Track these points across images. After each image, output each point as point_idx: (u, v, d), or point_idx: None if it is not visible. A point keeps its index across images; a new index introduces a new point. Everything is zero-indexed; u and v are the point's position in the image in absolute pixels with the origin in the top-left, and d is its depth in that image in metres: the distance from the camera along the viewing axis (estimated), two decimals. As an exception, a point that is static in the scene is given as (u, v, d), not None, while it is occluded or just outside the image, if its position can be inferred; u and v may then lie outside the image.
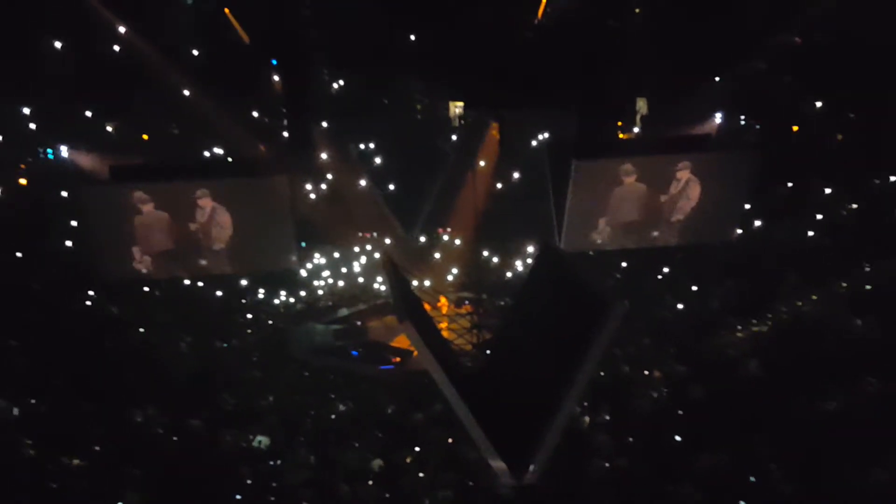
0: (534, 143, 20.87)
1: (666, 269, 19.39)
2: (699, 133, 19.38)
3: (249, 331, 18.65)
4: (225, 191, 16.98)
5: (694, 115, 19.47)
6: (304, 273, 20.39)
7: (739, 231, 18.69)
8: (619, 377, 14.89)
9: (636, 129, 21.24)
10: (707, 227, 18.07)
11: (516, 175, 21.09)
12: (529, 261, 19.53)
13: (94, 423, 12.92)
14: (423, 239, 21.37)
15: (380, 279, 20.42)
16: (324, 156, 20.64)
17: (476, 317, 18.83)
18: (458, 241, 21.09)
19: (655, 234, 18.20)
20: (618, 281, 19.08)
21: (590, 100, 19.50)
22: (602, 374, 14.31)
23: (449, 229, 21.38)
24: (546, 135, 20.65)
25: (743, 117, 20.41)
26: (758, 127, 20.08)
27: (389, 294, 15.34)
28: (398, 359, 17.65)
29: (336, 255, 20.87)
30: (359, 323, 19.62)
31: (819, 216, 18.63)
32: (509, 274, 20.37)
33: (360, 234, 21.17)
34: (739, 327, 16.71)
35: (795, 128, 20.00)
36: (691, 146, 17.90)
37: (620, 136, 20.84)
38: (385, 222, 21.12)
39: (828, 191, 19.02)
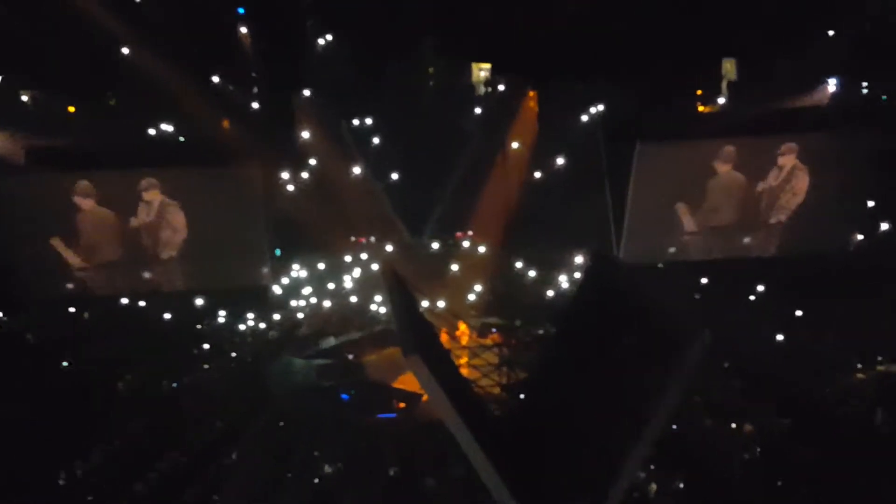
0: (584, 118, 20.76)
1: (761, 288, 19.27)
2: (806, 105, 19.35)
3: (207, 366, 18.69)
4: (177, 181, 17.08)
5: (799, 80, 19.43)
6: (279, 290, 20.47)
7: (860, 237, 18.51)
8: (698, 432, 14.78)
9: (721, 101, 21.17)
10: (817, 231, 17.90)
11: (560, 162, 20.97)
12: (577, 276, 19.41)
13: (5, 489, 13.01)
14: (436, 246, 21.39)
15: (379, 299, 20.41)
16: (306, 135, 20.71)
17: (506, 350, 18.75)
18: (482, 249, 21.07)
19: (748, 239, 18.08)
20: (697, 303, 18.93)
21: (658, 62, 19.41)
22: (675, 427, 14.21)
23: (470, 233, 21.37)
24: (600, 108, 20.62)
25: (865, 84, 20.32)
26: (884, 97, 20.02)
27: (391, 319, 15.15)
28: (403, 404, 17.62)
29: (321, 266, 20.93)
30: (351, 357, 19.61)
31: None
32: (550, 293, 20.34)
33: (353, 240, 21.19)
34: (860, 366, 16.55)
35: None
36: (796, 123, 17.78)
37: (700, 109, 20.84)
38: (386, 224, 21.17)
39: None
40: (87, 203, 16.65)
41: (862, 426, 14.45)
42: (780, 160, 17.50)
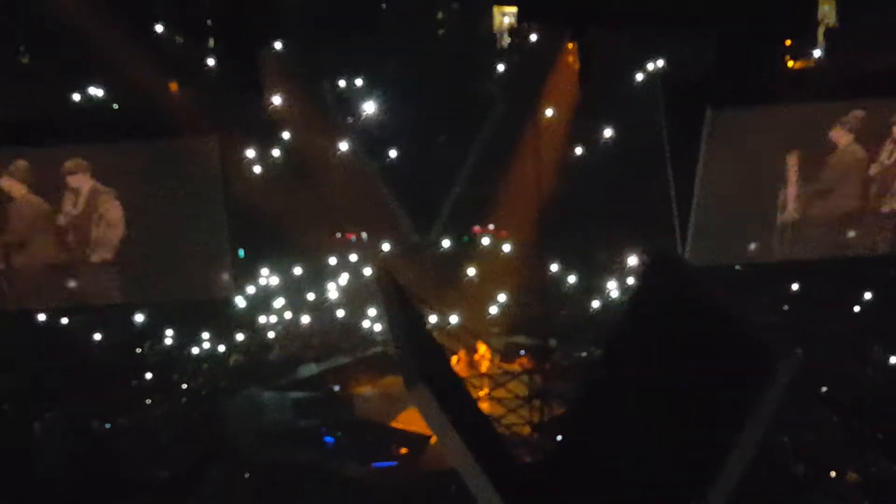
0: (638, 78, 20.80)
1: (868, 296, 19.37)
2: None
3: (150, 401, 18.82)
4: (111, 162, 17.13)
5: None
6: (243, 303, 20.58)
7: None
8: (787, 479, 14.91)
9: (817, 53, 21.29)
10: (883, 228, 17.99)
11: (608, 135, 21.07)
12: (631, 282, 19.48)
13: None
14: (447, 244, 21.51)
15: (373, 313, 20.49)
16: (277, 101, 20.80)
17: (539, 378, 18.73)
18: (507, 248, 21.16)
19: (852, 233, 18.07)
20: (786, 315, 18.99)
21: (734, 3, 19.46)
22: (759, 472, 14.27)
23: (492, 228, 21.45)
24: (659, 64, 20.64)
25: None
26: None
27: (389, 339, 15.22)
28: (405, 449, 17.75)
29: (298, 271, 21.06)
30: (337, 388, 19.77)
31: None
32: (596, 304, 20.49)
33: (340, 237, 21.32)
34: None
35: None
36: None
37: (791, 64, 20.89)
38: (383, 216, 21.28)
39: None
40: (20, 190, 16.84)
41: None
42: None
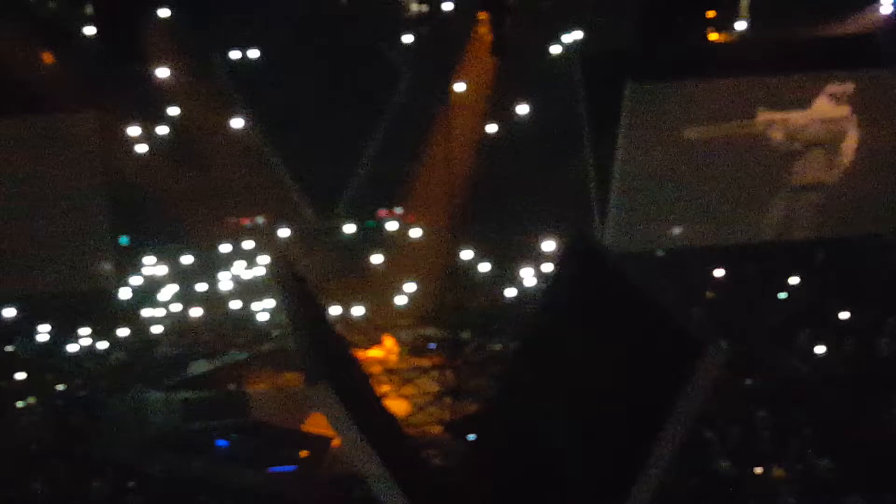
0: (556, 50, 20.77)
1: (795, 281, 19.66)
2: (852, 33, 19.75)
3: (21, 405, 18.41)
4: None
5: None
6: (126, 294, 20.17)
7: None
8: (711, 477, 14.99)
9: (740, 25, 21.51)
10: (868, 207, 18.41)
11: (523, 112, 21.02)
12: (548, 268, 19.72)
13: None
14: (350, 229, 21.31)
15: (270, 305, 20.26)
16: (163, 74, 20.52)
17: (451, 373, 18.82)
18: (415, 234, 20.98)
19: (779, 219, 18.43)
20: (710, 304, 19.32)
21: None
22: (680, 472, 14.52)
23: (400, 211, 21.31)
24: (578, 36, 20.66)
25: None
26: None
27: (288, 333, 15.20)
28: (306, 453, 17.46)
29: (187, 259, 20.74)
30: (232, 387, 19.45)
31: None
32: (511, 293, 20.36)
33: (233, 221, 21.08)
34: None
35: None
36: (841, 57, 18.19)
37: (712, 36, 21.18)
38: (281, 199, 21.08)
39: None
40: None
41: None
42: (820, 108, 17.92)
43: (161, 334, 20.58)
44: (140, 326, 20.47)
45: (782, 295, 19.60)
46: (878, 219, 18.56)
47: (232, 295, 20.78)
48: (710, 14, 20.85)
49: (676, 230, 18.30)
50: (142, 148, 20.29)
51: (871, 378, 17.36)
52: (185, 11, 20.92)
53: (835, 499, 14.39)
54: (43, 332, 19.86)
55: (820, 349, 18.26)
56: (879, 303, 18.84)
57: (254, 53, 21.35)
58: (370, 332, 19.64)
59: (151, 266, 20.68)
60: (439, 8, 21.89)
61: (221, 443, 17.95)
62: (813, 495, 14.65)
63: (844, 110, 17.87)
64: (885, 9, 19.92)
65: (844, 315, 18.82)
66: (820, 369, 17.99)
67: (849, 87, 17.72)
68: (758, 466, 15.38)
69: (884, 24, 19.87)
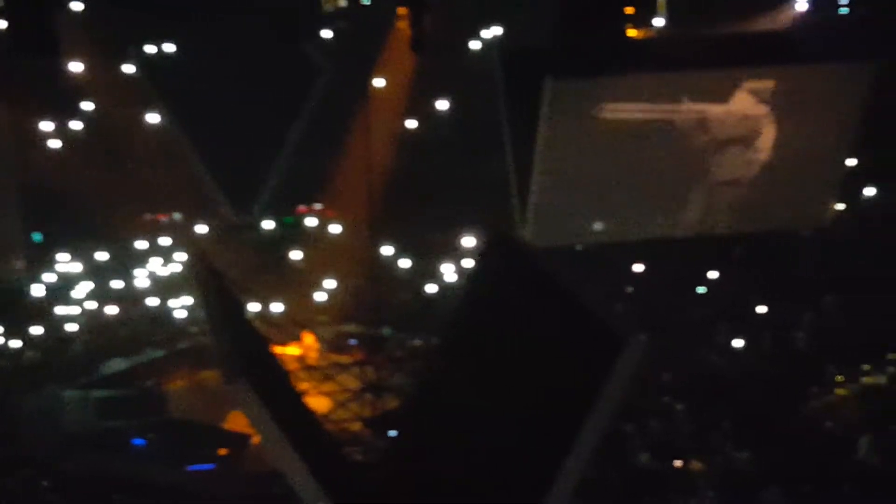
0: (475, 46, 20.95)
1: (714, 275, 19.97)
2: (768, 30, 19.99)
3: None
4: None
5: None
6: (39, 291, 20.04)
7: (840, 207, 19.55)
8: (632, 471, 15.20)
9: (658, 22, 21.76)
10: (785, 203, 18.68)
11: (442, 107, 21.19)
12: (468, 264, 19.68)
13: None
14: (269, 226, 21.36)
15: (187, 302, 20.22)
16: (77, 68, 20.40)
17: (371, 369, 18.77)
18: (335, 230, 21.05)
19: (697, 214, 18.63)
20: (629, 298, 19.53)
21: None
22: (601, 466, 14.60)
23: (319, 207, 21.36)
24: (497, 32, 20.79)
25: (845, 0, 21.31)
26: (869, 18, 20.87)
27: (206, 330, 15.10)
28: (224, 450, 17.51)
29: (102, 256, 20.65)
30: (149, 385, 19.43)
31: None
32: (431, 288, 20.55)
33: (150, 217, 21.02)
34: (842, 379, 17.40)
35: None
36: (758, 53, 18.43)
37: (631, 32, 21.37)
38: (198, 194, 21.02)
39: None
40: None
41: (843, 458, 15.11)
42: (738, 105, 18.13)
43: (76, 332, 20.42)
44: (54, 324, 20.32)
45: (701, 289, 19.80)
46: (795, 215, 18.77)
47: (148, 292, 20.66)
48: (629, 10, 20.97)
49: (596, 225, 18.42)
50: (55, 143, 20.13)
51: (789, 371, 17.61)
52: (99, 5, 20.78)
53: (753, 491, 14.59)
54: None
55: (738, 343, 18.49)
56: (796, 297, 19.10)
57: (169, 48, 21.10)
58: (290, 328, 19.57)
59: (66, 263, 20.50)
60: (358, 3, 21.94)
61: (138, 441, 17.85)
62: (732, 488, 14.87)
63: (761, 107, 18.09)
64: (801, 5, 20.16)
65: (762, 309, 19.06)
66: (738, 363, 18.21)
67: (767, 83, 17.93)
68: (677, 460, 15.55)
69: (800, 21, 20.11)
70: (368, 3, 21.73)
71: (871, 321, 18.45)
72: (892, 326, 18.24)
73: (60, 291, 20.49)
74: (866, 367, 17.89)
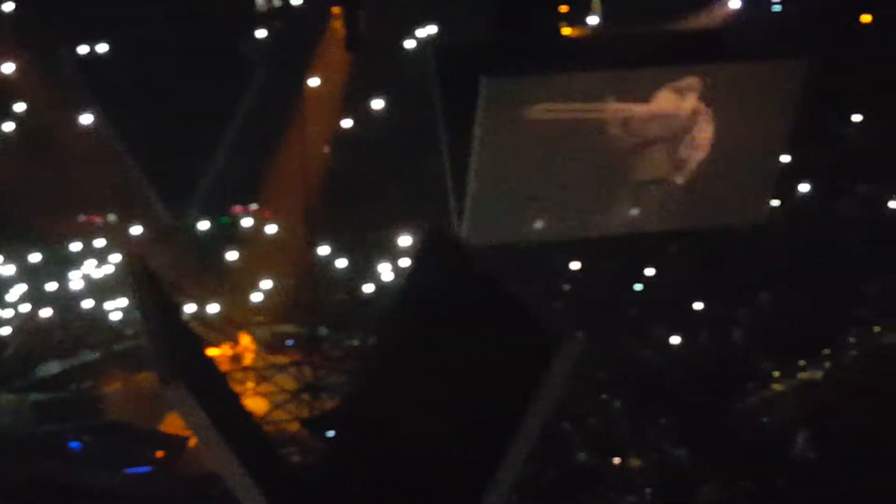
0: (410, 45, 21.02)
1: (650, 273, 20.12)
2: (702, 28, 20.17)
3: None
4: None
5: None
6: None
7: (775, 203, 19.72)
8: (570, 469, 15.32)
9: (592, 20, 21.82)
10: (720, 200, 18.90)
11: (378, 106, 21.19)
12: (405, 263, 19.69)
13: None
14: (204, 226, 21.21)
15: (123, 304, 20.06)
16: (7, 70, 20.25)
17: (308, 370, 18.77)
18: (271, 230, 21.01)
19: (635, 211, 18.75)
20: (566, 296, 19.63)
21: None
22: (537, 465, 14.66)
23: (254, 207, 21.28)
24: (432, 30, 20.83)
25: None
26: (801, 15, 21.15)
27: (142, 332, 14.99)
28: (161, 453, 17.37)
29: (35, 258, 20.48)
30: (84, 387, 19.25)
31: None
32: (368, 288, 20.53)
33: (84, 219, 20.86)
34: (778, 374, 17.63)
35: (868, 17, 21.27)
36: (692, 52, 18.55)
37: (565, 31, 21.35)
38: (133, 195, 20.84)
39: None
40: None
41: (780, 453, 15.35)
42: (665, 103, 18.24)
43: (9, 335, 20.27)
44: (-19, 325, 20.06)
45: (638, 287, 19.93)
46: (731, 212, 18.94)
47: (83, 294, 20.51)
48: (563, 9, 21.06)
49: (533, 224, 18.47)
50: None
51: (726, 368, 17.78)
52: (31, 5, 20.58)
53: (691, 487, 14.71)
54: None
55: (675, 340, 18.63)
56: (733, 293, 19.28)
57: (102, 48, 20.92)
58: (226, 329, 19.53)
59: (-9, 262, 20.24)
60: (292, 3, 21.80)
61: (75, 444, 17.71)
62: (670, 484, 14.97)
63: (692, 105, 18.22)
64: (735, 3, 20.38)
65: (699, 306, 19.22)
66: (675, 360, 18.35)
67: (698, 81, 18.06)
68: (615, 457, 15.65)
69: (733, 19, 20.32)
70: (303, 2, 21.46)
71: (806, 317, 18.66)
72: (827, 321, 18.47)
73: (-14, 292, 20.19)
74: (802, 362, 18.08)
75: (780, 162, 18.97)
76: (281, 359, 19.56)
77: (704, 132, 18.39)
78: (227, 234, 21.23)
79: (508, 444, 9.47)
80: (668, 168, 18.60)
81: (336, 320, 19.94)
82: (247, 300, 20.44)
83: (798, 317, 18.75)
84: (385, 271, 20.45)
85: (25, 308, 20.42)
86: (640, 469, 15.54)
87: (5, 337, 20.17)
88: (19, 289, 20.42)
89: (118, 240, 20.55)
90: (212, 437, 9.71)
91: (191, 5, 21.61)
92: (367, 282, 20.59)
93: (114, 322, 20.34)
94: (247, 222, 21.27)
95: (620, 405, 16.99)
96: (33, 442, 17.86)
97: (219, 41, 21.39)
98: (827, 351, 18.08)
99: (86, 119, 20.65)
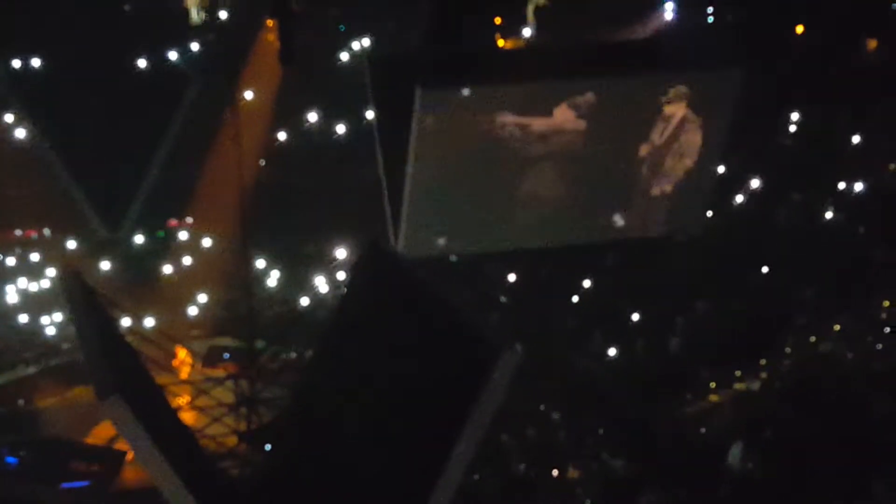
0: (344, 57, 21.09)
1: (587, 284, 20.33)
2: (636, 37, 20.51)
3: None
4: None
5: (625, 5, 20.56)
6: None
7: (709, 214, 19.90)
8: (509, 480, 15.50)
9: (527, 32, 22.05)
10: (656, 210, 19.06)
11: (313, 119, 21.30)
12: (341, 276, 19.86)
13: None
14: (140, 240, 21.15)
15: (59, 318, 20.04)
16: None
17: (246, 383, 18.72)
18: (206, 243, 21.05)
19: (572, 223, 18.87)
20: (504, 309, 19.72)
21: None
22: (476, 477, 14.73)
23: (190, 221, 21.27)
24: (366, 42, 20.92)
25: (710, 8, 21.75)
26: (739, 25, 21.49)
27: (78, 346, 14.94)
28: (99, 467, 17.33)
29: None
30: (20, 402, 19.23)
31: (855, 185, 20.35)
32: (305, 301, 20.59)
33: (19, 234, 20.78)
34: (714, 386, 17.79)
35: (801, 28, 21.58)
36: (626, 59, 18.72)
37: (500, 42, 21.62)
38: (67, 209, 20.65)
39: (857, 140, 20.72)
40: None
41: (715, 465, 15.53)
42: (562, 117, 18.35)
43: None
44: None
45: (574, 298, 20.06)
46: (667, 223, 19.08)
47: (18, 308, 20.46)
48: (497, 20, 21.21)
49: (468, 236, 18.50)
50: None
51: (663, 377, 17.95)
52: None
53: (630, 496, 14.85)
54: None
55: (612, 350, 18.76)
56: (669, 304, 19.46)
57: (35, 62, 20.79)
58: (162, 343, 19.42)
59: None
60: (225, 15, 21.79)
61: (11, 460, 17.65)
62: (609, 494, 15.11)
63: (581, 122, 18.25)
64: (669, 14, 20.65)
65: (635, 316, 19.37)
66: (613, 370, 18.49)
67: (589, 97, 18.10)
68: (554, 468, 15.75)
69: (667, 29, 20.57)
70: (236, 15, 21.44)
71: (743, 327, 18.87)
72: (763, 331, 18.69)
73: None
74: (738, 372, 18.28)
75: (716, 172, 19.17)
76: (218, 372, 19.62)
77: (638, 144, 18.52)
78: (163, 247, 21.24)
79: (448, 455, 9.58)
80: (554, 185, 18.64)
81: (273, 333, 19.97)
82: (183, 314, 20.44)
83: (734, 326, 18.96)
84: (321, 284, 20.50)
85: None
86: (579, 479, 15.65)
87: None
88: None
89: (53, 254, 20.58)
90: (149, 451, 9.82)
91: (124, 18, 21.50)
92: (303, 294, 20.65)
93: (50, 336, 20.32)
94: (182, 235, 21.30)
95: (559, 416, 17.06)
96: (-32, 458, 17.81)
97: (152, 54, 21.22)
98: (763, 360, 18.26)
99: (19, 133, 20.55)
